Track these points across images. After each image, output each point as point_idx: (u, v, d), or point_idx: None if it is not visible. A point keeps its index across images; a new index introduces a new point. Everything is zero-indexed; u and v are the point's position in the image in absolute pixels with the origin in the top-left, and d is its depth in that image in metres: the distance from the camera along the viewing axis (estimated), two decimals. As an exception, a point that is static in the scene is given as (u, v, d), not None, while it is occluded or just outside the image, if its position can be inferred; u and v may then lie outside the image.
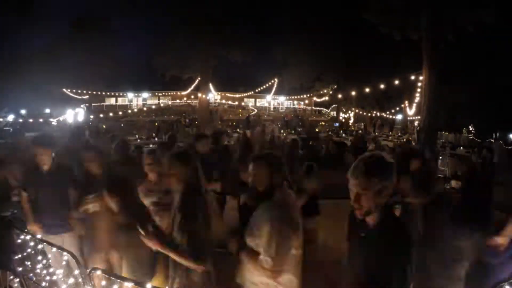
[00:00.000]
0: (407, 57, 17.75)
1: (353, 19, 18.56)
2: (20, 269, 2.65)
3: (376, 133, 22.43)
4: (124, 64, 28.45)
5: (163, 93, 33.81)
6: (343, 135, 21.04)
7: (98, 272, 1.91)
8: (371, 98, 27.44)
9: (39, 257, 2.55)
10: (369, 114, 32.62)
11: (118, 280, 1.79)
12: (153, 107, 31.37)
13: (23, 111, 27.17)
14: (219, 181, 4.33)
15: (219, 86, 31.12)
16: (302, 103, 36.05)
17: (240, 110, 33.07)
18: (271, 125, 18.48)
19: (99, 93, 30.02)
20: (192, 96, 31.53)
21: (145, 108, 31.74)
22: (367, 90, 18.41)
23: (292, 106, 37.04)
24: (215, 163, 4.56)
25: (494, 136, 26.33)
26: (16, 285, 2.70)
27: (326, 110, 37.01)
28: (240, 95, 34.21)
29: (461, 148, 14.64)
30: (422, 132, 10.82)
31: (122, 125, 23.38)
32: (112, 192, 2.34)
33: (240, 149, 5.85)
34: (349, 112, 33.38)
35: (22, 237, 2.62)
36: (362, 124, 31.65)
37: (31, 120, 23.23)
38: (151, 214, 2.63)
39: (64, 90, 28.08)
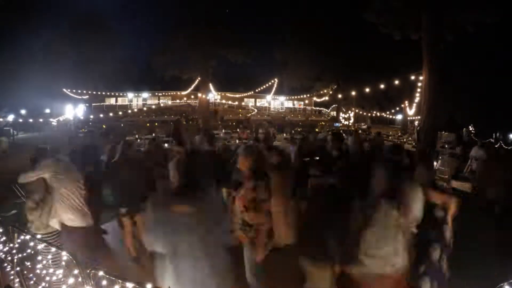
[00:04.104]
0: (407, 57, 17.76)
1: (353, 19, 18.56)
2: (19, 268, 2.65)
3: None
4: (124, 64, 28.44)
5: (163, 93, 33.81)
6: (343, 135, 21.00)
7: (101, 273, 1.91)
8: (371, 98, 27.44)
9: (39, 257, 2.55)
10: (369, 114, 32.64)
11: (120, 280, 1.79)
12: (153, 107, 31.37)
13: (23, 111, 27.17)
14: None
15: (219, 86, 31.13)
16: (302, 103, 36.09)
17: (240, 110, 33.09)
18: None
19: (99, 93, 30.02)
20: (192, 96, 31.54)
21: (145, 108, 31.74)
22: (367, 90, 18.39)
23: (292, 106, 37.10)
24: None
25: (494, 136, 26.33)
26: (16, 285, 2.70)
27: (326, 110, 37.03)
28: (240, 95, 34.21)
29: (462, 148, 14.61)
30: (422, 132, 10.79)
31: (122, 125, 23.38)
32: None
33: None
34: (349, 112, 33.40)
35: (22, 237, 2.61)
36: (363, 124, 31.67)
37: (31, 120, 23.25)
38: None
39: (64, 90, 28.09)
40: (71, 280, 2.11)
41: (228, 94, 33.72)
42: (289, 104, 37.01)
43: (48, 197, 3.21)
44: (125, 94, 32.48)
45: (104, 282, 1.87)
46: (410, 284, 2.31)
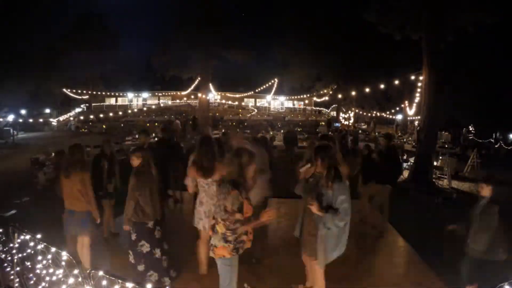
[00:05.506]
0: (407, 57, 17.75)
1: (353, 19, 18.54)
2: (19, 268, 2.65)
3: (376, 133, 22.45)
4: (124, 64, 28.46)
5: (163, 93, 33.83)
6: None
7: (100, 273, 1.91)
8: (371, 98, 27.41)
9: (39, 257, 2.55)
10: (369, 114, 32.62)
11: (119, 280, 1.79)
12: (153, 107, 31.38)
13: (23, 111, 27.16)
14: None
15: (219, 86, 31.14)
16: (302, 103, 36.08)
17: (240, 110, 33.09)
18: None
19: (99, 93, 30.04)
20: (192, 96, 31.55)
21: (145, 108, 31.75)
22: (367, 90, 18.36)
23: (292, 106, 37.11)
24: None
25: (494, 136, 26.33)
26: (16, 285, 2.69)
27: (326, 110, 37.01)
28: (240, 95, 34.22)
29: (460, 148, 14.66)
30: (422, 132, 10.79)
31: (122, 125, 23.39)
32: None
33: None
34: (349, 112, 33.38)
35: (22, 237, 2.61)
36: (363, 124, 31.68)
37: (31, 120, 23.26)
38: None
39: (64, 90, 28.11)
40: (71, 280, 2.11)
41: (228, 94, 33.72)
42: (289, 104, 37.01)
43: None
44: (125, 94, 32.50)
45: (104, 282, 1.86)
46: None
